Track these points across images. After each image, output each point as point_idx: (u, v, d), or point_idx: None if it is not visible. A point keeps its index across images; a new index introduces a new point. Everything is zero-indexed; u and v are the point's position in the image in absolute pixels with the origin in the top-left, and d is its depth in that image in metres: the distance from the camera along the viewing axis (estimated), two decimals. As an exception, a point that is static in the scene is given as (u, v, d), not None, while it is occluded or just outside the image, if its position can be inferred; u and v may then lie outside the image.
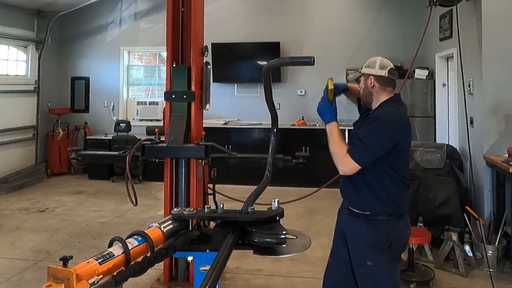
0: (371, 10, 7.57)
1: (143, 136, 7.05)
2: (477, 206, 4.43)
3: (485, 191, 4.34)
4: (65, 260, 1.25)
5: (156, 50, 8.59)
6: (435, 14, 5.89)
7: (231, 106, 7.84)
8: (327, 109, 2.33)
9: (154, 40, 7.96)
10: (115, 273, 1.39)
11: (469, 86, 4.77)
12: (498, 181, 4.13)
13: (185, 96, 3.49)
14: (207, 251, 1.86)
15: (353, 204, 2.28)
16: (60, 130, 7.91)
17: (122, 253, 1.44)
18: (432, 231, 3.90)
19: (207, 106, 3.64)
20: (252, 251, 1.89)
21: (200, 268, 1.92)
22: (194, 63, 3.50)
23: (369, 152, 2.15)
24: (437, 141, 6.10)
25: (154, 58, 9.01)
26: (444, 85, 6.26)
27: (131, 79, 8.65)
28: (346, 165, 2.16)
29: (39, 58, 7.88)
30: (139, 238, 1.58)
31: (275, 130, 3.05)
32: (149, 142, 3.38)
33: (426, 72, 6.56)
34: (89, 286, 1.26)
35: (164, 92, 3.57)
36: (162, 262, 3.10)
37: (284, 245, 1.85)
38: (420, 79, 6.56)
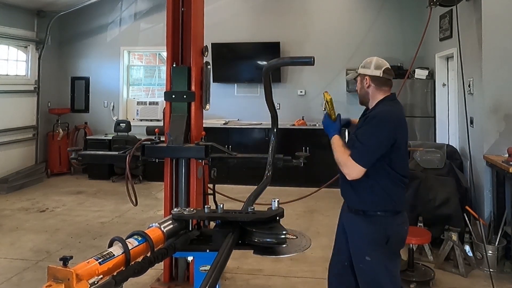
0: (371, 10, 7.57)
1: (143, 136, 7.04)
2: (477, 206, 4.43)
3: (485, 191, 4.34)
4: (65, 260, 1.25)
5: (156, 50, 8.58)
6: (435, 14, 5.89)
7: (231, 106, 7.83)
8: (329, 125, 2.41)
9: (154, 40, 7.96)
10: (115, 273, 1.39)
11: (469, 86, 4.77)
12: (498, 181, 4.13)
13: (185, 96, 3.49)
14: (207, 251, 1.86)
15: (352, 202, 2.34)
16: (60, 130, 7.91)
17: (122, 253, 1.44)
18: (432, 231, 3.90)
19: (207, 106, 3.64)
20: (252, 251, 1.89)
21: (200, 268, 1.92)
22: (194, 63, 3.50)
23: (369, 151, 2.19)
24: (437, 141, 6.10)
25: (154, 58, 9.01)
26: (444, 85, 6.26)
27: (131, 79, 8.65)
28: (350, 168, 2.20)
29: (39, 58, 7.88)
30: (139, 238, 1.58)
31: (275, 130, 3.06)
32: (149, 142, 3.38)
33: (426, 72, 6.56)
34: (89, 286, 1.26)
35: (164, 92, 3.57)
36: (162, 262, 3.10)
37: (284, 245, 1.85)
38: (420, 79, 6.56)
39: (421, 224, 4.10)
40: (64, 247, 4.46)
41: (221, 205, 1.93)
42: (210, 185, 3.61)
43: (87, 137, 8.01)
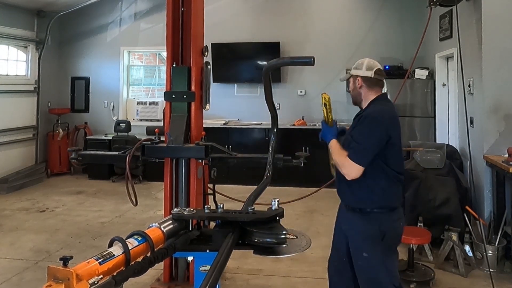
0: (371, 10, 7.57)
1: (143, 136, 7.04)
2: (477, 206, 4.43)
3: (485, 191, 4.34)
4: (65, 260, 1.25)
5: (156, 50, 8.58)
6: (435, 14, 5.89)
7: (231, 106, 7.83)
8: (326, 131, 2.48)
9: (154, 40, 7.95)
10: (115, 273, 1.39)
11: (469, 86, 4.77)
12: (498, 181, 4.13)
13: (185, 96, 3.49)
14: (207, 251, 1.86)
15: (349, 201, 2.39)
16: (60, 130, 7.91)
17: (122, 253, 1.44)
18: (432, 231, 3.89)
19: (207, 106, 3.64)
20: (252, 251, 1.89)
21: (200, 268, 1.92)
22: (194, 63, 3.50)
23: (365, 150, 2.24)
24: (437, 141, 6.10)
25: (154, 58, 9.01)
26: (444, 85, 6.26)
27: (131, 79, 8.65)
28: (348, 167, 2.24)
29: (39, 58, 7.88)
30: (139, 238, 1.58)
31: (275, 130, 3.06)
32: (149, 142, 3.38)
33: (426, 72, 6.56)
34: (89, 286, 1.26)
35: (164, 92, 3.57)
36: (162, 262, 3.10)
37: (284, 245, 1.85)
38: (420, 79, 6.55)
39: (421, 224, 4.10)
40: (64, 247, 4.46)
41: (221, 205, 1.93)
42: (210, 185, 3.61)
43: (87, 137, 8.01)
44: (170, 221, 1.83)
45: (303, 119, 7.39)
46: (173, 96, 3.51)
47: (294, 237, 2.00)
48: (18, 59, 7.69)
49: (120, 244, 1.47)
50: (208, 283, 1.37)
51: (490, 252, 3.82)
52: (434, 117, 6.44)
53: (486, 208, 4.32)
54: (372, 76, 2.37)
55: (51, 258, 4.10)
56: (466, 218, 4.04)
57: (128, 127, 7.60)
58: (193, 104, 3.50)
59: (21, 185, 6.95)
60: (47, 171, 7.82)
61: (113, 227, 5.08)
